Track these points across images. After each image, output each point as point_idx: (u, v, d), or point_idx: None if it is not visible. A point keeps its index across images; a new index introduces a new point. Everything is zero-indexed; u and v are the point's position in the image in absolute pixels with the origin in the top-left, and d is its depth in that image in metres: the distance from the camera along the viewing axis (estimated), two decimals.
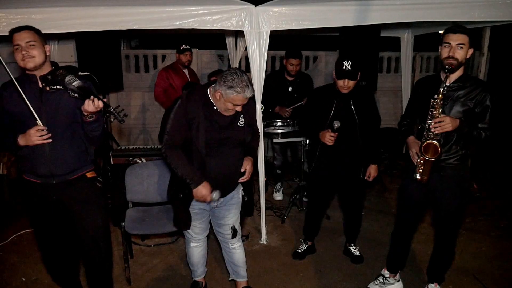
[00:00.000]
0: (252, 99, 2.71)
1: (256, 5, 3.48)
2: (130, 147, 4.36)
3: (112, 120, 2.28)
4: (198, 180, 2.50)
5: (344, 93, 3.17)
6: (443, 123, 2.47)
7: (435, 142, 2.51)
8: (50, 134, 2.39)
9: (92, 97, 2.25)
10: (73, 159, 2.53)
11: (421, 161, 2.59)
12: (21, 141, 2.40)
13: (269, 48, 3.59)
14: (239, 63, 6.03)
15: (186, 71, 5.19)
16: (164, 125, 3.35)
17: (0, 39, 3.10)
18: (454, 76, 2.57)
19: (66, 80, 2.31)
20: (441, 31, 2.95)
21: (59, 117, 2.42)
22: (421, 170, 2.59)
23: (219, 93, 2.43)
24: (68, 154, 2.51)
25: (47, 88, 2.32)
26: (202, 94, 2.55)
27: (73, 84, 2.27)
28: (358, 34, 4.95)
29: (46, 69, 2.45)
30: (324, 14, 3.59)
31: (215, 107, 2.52)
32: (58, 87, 2.31)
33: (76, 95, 2.29)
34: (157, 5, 3.42)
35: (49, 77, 2.33)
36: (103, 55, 4.77)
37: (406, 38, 6.02)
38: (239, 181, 2.67)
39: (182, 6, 3.41)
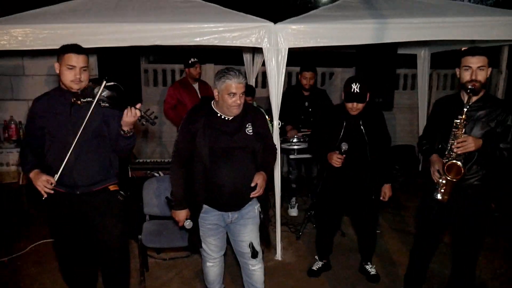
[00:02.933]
0: (260, 112, 2.75)
1: (274, 22, 3.54)
2: (148, 160, 4.40)
3: (143, 123, 2.38)
4: (181, 204, 2.64)
5: (353, 114, 3.18)
6: (466, 143, 2.46)
7: (459, 163, 2.49)
8: (52, 191, 2.47)
9: (129, 107, 2.35)
10: (97, 171, 2.60)
11: (443, 181, 2.57)
12: (32, 174, 2.51)
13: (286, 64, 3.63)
14: (256, 79, 6.10)
15: (196, 86, 5.17)
16: None
17: (25, 52, 3.21)
18: (475, 96, 2.56)
19: (95, 91, 2.41)
20: (463, 48, 2.95)
21: (86, 129, 2.48)
22: (442, 190, 2.58)
23: (216, 92, 2.50)
24: (92, 166, 2.58)
25: (78, 102, 2.42)
26: (205, 106, 2.63)
27: (102, 94, 2.36)
28: (375, 51, 4.97)
29: None
30: (342, 32, 3.62)
31: (219, 114, 2.57)
32: (89, 99, 2.43)
33: (107, 104, 2.41)
34: (178, 22, 3.50)
35: (79, 92, 2.43)
36: (123, 69, 4.87)
37: (423, 56, 6.04)
38: (251, 196, 2.64)
39: (203, 23, 3.48)
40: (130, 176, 4.05)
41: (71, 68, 2.44)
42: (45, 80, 5.70)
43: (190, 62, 4.98)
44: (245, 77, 2.58)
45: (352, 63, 6.73)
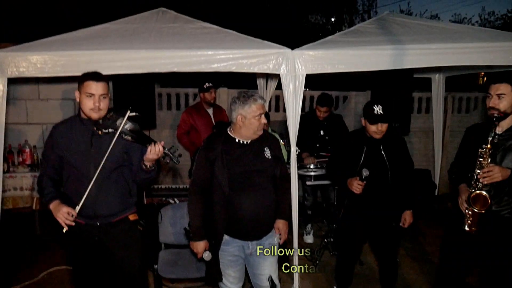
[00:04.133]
0: (274, 137, 2.74)
1: (292, 48, 3.53)
2: (162, 186, 4.36)
3: (167, 162, 2.35)
4: (199, 235, 2.57)
5: (376, 138, 3.13)
6: (491, 173, 2.40)
7: (484, 193, 2.41)
8: (73, 223, 2.41)
9: (152, 143, 2.33)
10: (117, 201, 2.57)
11: (469, 212, 2.49)
12: (52, 206, 2.46)
13: None
14: (269, 102, 6.07)
15: (210, 111, 5.13)
16: None
17: (40, 79, 3.21)
18: (505, 125, 2.50)
19: (117, 123, 2.39)
20: (482, 73, 2.90)
21: (107, 160, 2.45)
22: (469, 221, 2.49)
23: (240, 116, 2.48)
24: (112, 196, 2.55)
25: (99, 132, 2.40)
26: (221, 133, 2.62)
27: (125, 127, 2.34)
28: (390, 74, 4.93)
29: None
30: (360, 58, 3.59)
31: (237, 140, 2.55)
32: (110, 130, 2.40)
33: (129, 137, 2.38)
34: (196, 49, 3.50)
35: (100, 121, 2.40)
36: (138, 93, 4.89)
37: (438, 79, 5.98)
38: (276, 242, 2.61)
39: (220, 50, 3.48)
40: (145, 203, 4.00)
41: (90, 96, 2.43)
42: (60, 104, 5.75)
43: (205, 87, 4.95)
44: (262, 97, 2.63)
45: (366, 86, 6.71)
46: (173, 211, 3.48)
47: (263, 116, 2.51)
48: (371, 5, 19.16)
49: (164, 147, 2.38)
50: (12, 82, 3.47)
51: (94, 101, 2.42)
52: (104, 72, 3.42)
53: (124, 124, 2.36)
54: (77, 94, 2.50)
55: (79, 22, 4.02)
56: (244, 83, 6.49)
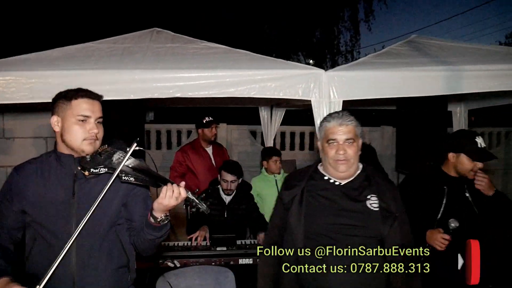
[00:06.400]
0: (392, 183, 1.92)
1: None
2: None
3: (192, 210, 1.53)
4: None
5: (467, 178, 2.40)
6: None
7: None
8: None
9: (169, 183, 1.55)
10: (110, 280, 1.72)
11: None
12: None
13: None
14: (274, 140, 5.33)
15: (209, 149, 4.38)
16: None
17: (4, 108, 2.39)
18: None
19: (114, 159, 1.58)
20: None
21: (97, 217, 1.64)
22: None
23: (319, 143, 1.92)
24: (103, 274, 1.71)
25: (85, 173, 1.57)
26: (312, 166, 1.98)
27: (126, 164, 1.52)
28: (420, 107, 4.28)
29: None
30: (409, 81, 2.92)
31: (326, 177, 1.84)
32: (102, 170, 1.58)
33: (132, 179, 1.54)
34: (206, 69, 2.76)
35: (87, 157, 1.59)
36: (125, 129, 4.07)
37: (459, 112, 5.37)
38: None
39: (238, 70, 2.76)
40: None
41: (83, 120, 1.65)
42: (32, 145, 4.85)
43: (204, 121, 4.20)
44: (355, 119, 1.87)
45: (379, 121, 6.08)
46: (175, 280, 2.59)
47: (340, 143, 1.80)
48: (354, 46, 19.13)
49: (186, 190, 1.58)
50: None
51: (90, 128, 1.65)
52: None
53: (122, 160, 1.54)
54: (55, 120, 1.70)
55: (52, 43, 3.24)
56: (244, 118, 5.79)
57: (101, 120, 1.71)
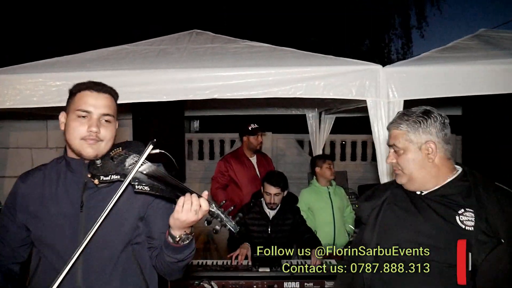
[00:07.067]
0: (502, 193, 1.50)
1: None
2: (193, 262, 3.10)
3: (217, 229, 1.22)
4: None
5: None
6: None
7: None
8: None
9: (188, 193, 1.26)
10: None
11: None
12: None
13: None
14: (323, 149, 4.94)
15: (254, 159, 4.07)
16: None
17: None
18: None
19: (126, 164, 1.32)
20: None
21: (109, 234, 1.37)
22: None
23: (433, 145, 1.52)
24: None
25: (95, 182, 1.30)
26: None
27: (140, 170, 1.26)
28: (492, 110, 3.74)
29: None
30: (485, 76, 2.46)
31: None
32: (114, 177, 1.31)
33: (147, 188, 1.27)
34: (246, 67, 2.46)
35: (98, 162, 1.32)
36: (164, 138, 3.85)
37: None
38: None
39: (282, 67, 2.43)
40: None
41: (84, 116, 1.38)
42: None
43: (250, 128, 3.90)
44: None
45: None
46: None
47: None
48: (406, 54, 18.27)
49: (209, 202, 1.27)
50: None
51: (90, 124, 1.37)
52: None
53: (140, 164, 1.26)
54: (62, 117, 1.45)
55: (87, 46, 3.07)
56: (291, 126, 5.44)
57: (109, 118, 1.42)
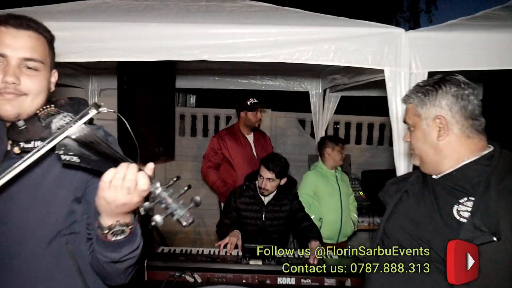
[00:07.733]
0: None
1: None
2: (175, 249, 2.72)
3: (157, 222, 0.86)
4: None
5: None
6: None
7: None
8: None
9: (123, 164, 0.92)
10: None
11: None
12: None
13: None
14: (326, 130, 4.56)
15: (251, 137, 3.70)
16: None
17: None
18: None
19: (53, 126, 0.96)
20: None
21: (31, 224, 1.05)
22: None
23: (445, 121, 1.36)
24: None
25: (15, 150, 0.96)
26: None
27: (68, 133, 0.91)
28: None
29: None
30: None
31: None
32: (37, 143, 0.94)
33: (76, 158, 0.92)
34: (242, 25, 2.07)
35: (20, 124, 0.98)
36: (153, 110, 3.49)
37: None
38: None
39: (285, 26, 2.04)
40: (146, 279, 2.44)
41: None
42: None
43: (249, 103, 3.51)
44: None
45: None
46: None
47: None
48: None
49: (152, 178, 0.92)
50: None
51: (6, 72, 1.01)
52: (88, 58, 2.10)
53: (65, 125, 0.92)
54: None
55: None
56: (291, 104, 5.04)
57: (35, 64, 1.05)
